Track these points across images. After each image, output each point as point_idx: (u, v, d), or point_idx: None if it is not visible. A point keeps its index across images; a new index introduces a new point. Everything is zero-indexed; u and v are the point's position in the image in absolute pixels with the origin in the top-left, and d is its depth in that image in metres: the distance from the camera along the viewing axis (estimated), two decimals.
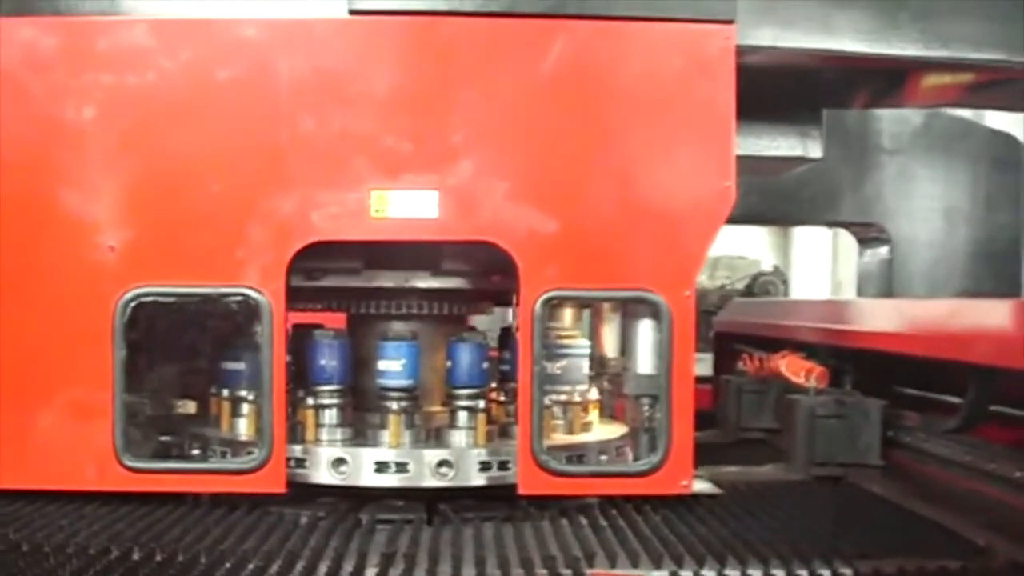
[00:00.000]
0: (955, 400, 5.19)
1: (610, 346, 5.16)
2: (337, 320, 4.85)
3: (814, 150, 5.52)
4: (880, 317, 5.84)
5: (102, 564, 3.41)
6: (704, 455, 5.23)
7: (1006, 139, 9.19)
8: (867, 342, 5.53)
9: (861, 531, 4.10)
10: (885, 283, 8.96)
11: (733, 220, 4.51)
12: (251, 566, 3.40)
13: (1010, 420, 4.93)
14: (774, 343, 6.32)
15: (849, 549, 3.70)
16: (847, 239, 10.06)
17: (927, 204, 8.89)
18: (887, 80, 5.38)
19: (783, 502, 4.64)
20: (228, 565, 3.41)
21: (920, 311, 5.68)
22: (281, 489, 4.19)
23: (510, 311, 5.10)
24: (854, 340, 5.67)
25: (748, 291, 17.01)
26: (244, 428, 4.58)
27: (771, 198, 8.18)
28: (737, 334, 7.45)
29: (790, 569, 3.51)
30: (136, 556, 3.51)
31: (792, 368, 5.71)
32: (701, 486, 4.76)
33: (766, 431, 6.22)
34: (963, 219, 8.91)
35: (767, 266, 21.04)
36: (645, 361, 4.43)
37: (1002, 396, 4.92)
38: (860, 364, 5.66)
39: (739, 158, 4.39)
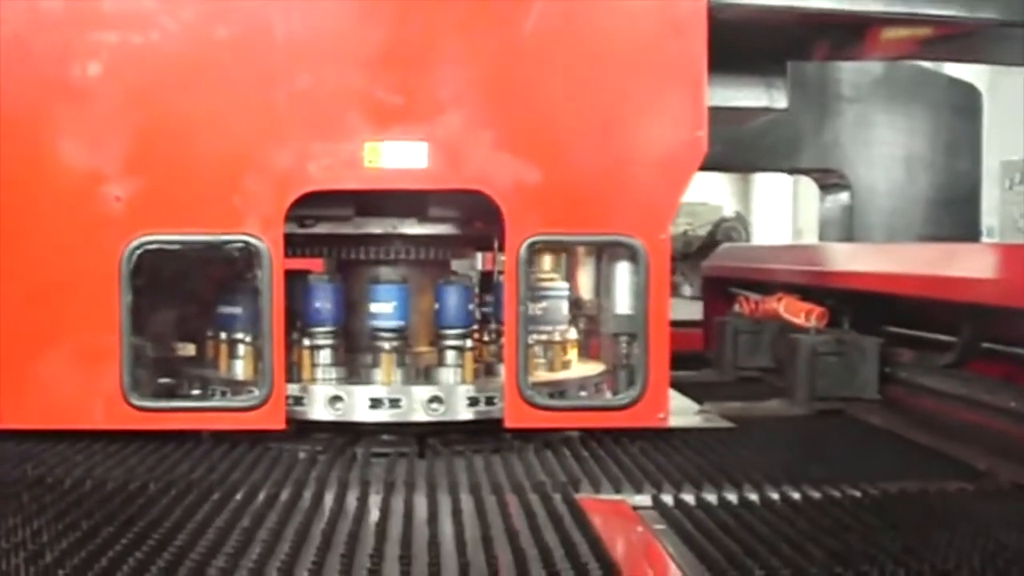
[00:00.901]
0: (947, 339, 5.42)
1: (586, 289, 5.35)
2: (315, 266, 5.06)
3: (779, 100, 5.77)
4: (872, 260, 6.11)
5: (121, 497, 3.60)
6: (706, 393, 5.61)
7: (965, 87, 9.45)
8: (863, 283, 5.79)
9: (864, 458, 4.38)
10: (846, 229, 9.16)
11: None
12: (262, 495, 3.60)
13: (1000, 356, 5.16)
14: (766, 286, 6.62)
15: (855, 474, 3.93)
16: (808, 186, 10.25)
17: (887, 151, 9.11)
18: (848, 33, 5.61)
19: (790, 433, 4.98)
20: (239, 496, 3.60)
21: (910, 255, 5.95)
22: (281, 425, 4.42)
23: (480, 257, 5.34)
24: (850, 281, 5.93)
25: (710, 237, 17.22)
26: (241, 369, 4.81)
27: (733, 146, 8.19)
28: (727, 278, 7.71)
29: (803, 492, 3.75)
30: (152, 488, 3.70)
31: (791, 309, 6.00)
32: (712, 420, 5.10)
33: (762, 370, 6.50)
34: (923, 166, 9.14)
35: (729, 212, 21.28)
36: (623, 301, 4.67)
37: (994, 334, 5.17)
38: (856, 305, 5.90)
39: (709, 109, 4.60)
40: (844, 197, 9.26)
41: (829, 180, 9.45)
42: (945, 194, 9.21)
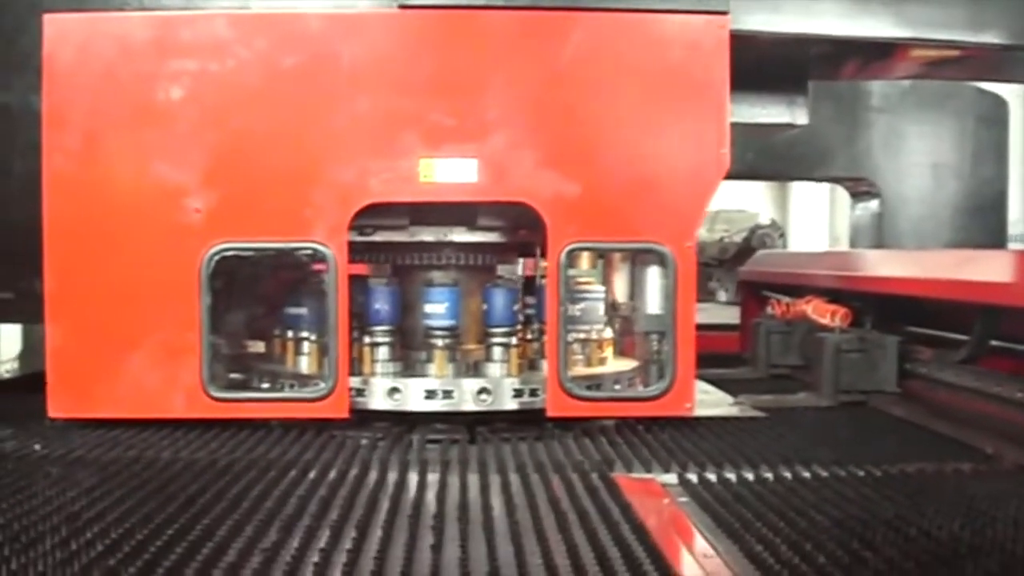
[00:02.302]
0: (961, 337, 5.83)
1: (621, 292, 5.74)
2: (359, 271, 5.46)
3: (800, 117, 6.16)
4: (891, 266, 6.54)
5: (211, 473, 4.06)
6: (740, 388, 6.12)
7: (991, 97, 9.66)
8: (884, 287, 6.22)
9: (885, 443, 4.80)
10: (876, 235, 9.45)
11: (731, 176, 5.15)
12: (333, 473, 4.06)
13: (1009, 352, 5.58)
14: (797, 290, 7.03)
15: (877, 456, 4.36)
16: (845, 193, 10.55)
17: (916, 160, 9.38)
18: (872, 53, 6.00)
19: (817, 421, 5.40)
20: (312, 474, 4.05)
21: (929, 260, 6.37)
22: (345, 414, 4.89)
23: (521, 263, 5.77)
24: (872, 285, 6.38)
25: (746, 243, 17.31)
26: (306, 364, 5.29)
27: (766, 155, 8.63)
28: (761, 283, 8.14)
29: (832, 471, 4.16)
30: (237, 467, 4.15)
31: (818, 311, 6.44)
32: (745, 411, 5.60)
33: (792, 367, 6.88)
34: (950, 174, 9.40)
35: (765, 219, 21.43)
36: (653, 302, 5.16)
37: (1003, 332, 5.59)
38: (877, 307, 6.32)
39: (733, 125, 5.02)
40: (874, 205, 9.55)
41: (860, 188, 9.75)
42: (972, 201, 9.48)
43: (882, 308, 6.33)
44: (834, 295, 6.59)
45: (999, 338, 5.64)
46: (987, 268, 5.40)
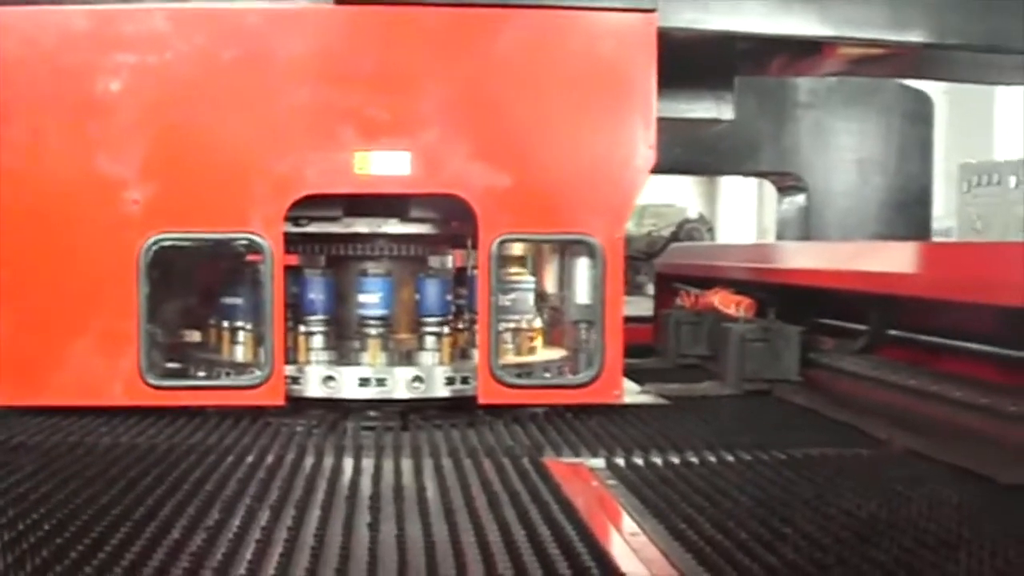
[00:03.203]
0: (861, 327, 6.00)
1: (550, 283, 5.91)
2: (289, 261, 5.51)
3: (726, 112, 6.33)
4: (797, 257, 6.70)
5: (151, 457, 4.14)
6: (649, 377, 6.19)
7: (916, 93, 9.83)
8: (786, 278, 6.40)
9: (788, 429, 4.93)
10: (803, 229, 9.57)
11: (660, 171, 5.30)
12: (270, 458, 4.15)
13: (907, 342, 5.72)
14: (708, 281, 7.17)
15: (780, 441, 4.51)
16: (772, 188, 10.68)
17: (842, 155, 9.50)
18: (797, 50, 6.16)
19: (721, 409, 5.51)
20: (250, 459, 4.14)
21: (830, 252, 6.54)
22: (281, 402, 4.99)
23: (452, 254, 5.88)
24: (775, 277, 6.54)
25: (674, 237, 17.51)
26: (242, 353, 5.38)
27: (694, 150, 8.78)
28: (675, 275, 8.25)
29: (737, 455, 4.32)
30: (176, 452, 4.23)
31: (724, 302, 6.59)
32: (650, 398, 5.71)
33: (701, 358, 6.97)
34: (876, 169, 9.54)
35: (693, 214, 21.67)
36: (583, 292, 5.24)
37: (899, 322, 5.76)
38: (783, 297, 6.46)
39: (660, 119, 5.15)
40: (801, 199, 9.67)
41: (787, 183, 9.89)
42: (897, 196, 9.62)
43: (787, 299, 6.47)
44: (741, 287, 6.75)
45: (896, 327, 5.81)
46: (881, 259, 5.62)
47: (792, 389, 5.92)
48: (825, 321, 6.47)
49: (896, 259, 5.44)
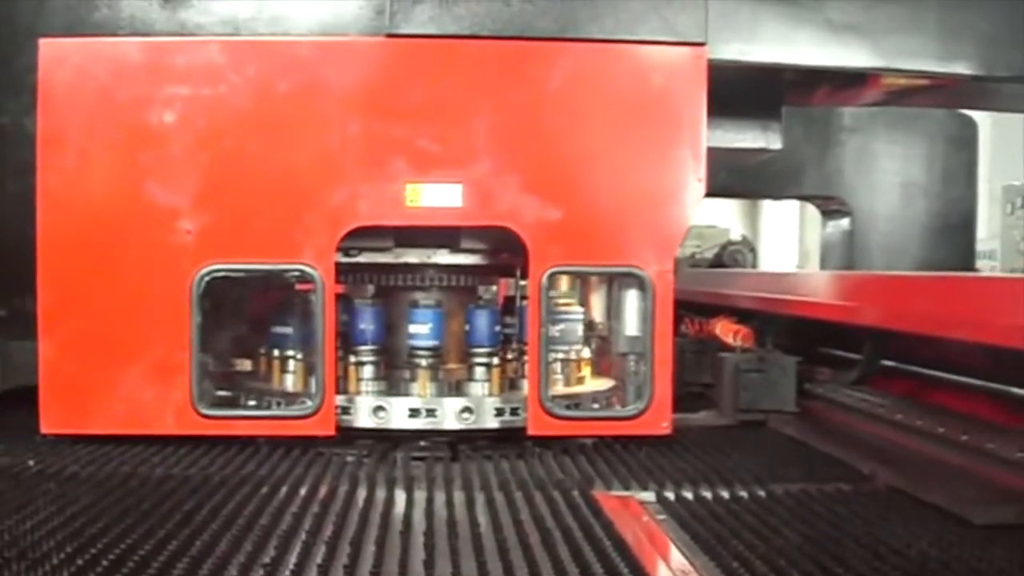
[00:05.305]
0: (858, 357, 6.04)
1: (598, 313, 5.92)
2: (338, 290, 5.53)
3: (774, 142, 6.33)
4: (798, 288, 6.69)
5: (205, 490, 4.16)
6: None
7: (961, 118, 9.73)
8: (783, 308, 6.44)
9: (775, 463, 4.88)
10: (846, 253, 9.52)
11: (705, 194, 5.29)
12: (323, 489, 4.18)
13: (901, 373, 5.78)
14: (713, 309, 7.19)
15: (765, 475, 4.51)
16: (814, 211, 10.65)
17: (886, 179, 9.45)
18: (843, 81, 6.15)
19: (715, 442, 5.39)
20: (303, 491, 4.17)
21: (830, 283, 6.54)
22: (332, 432, 5.01)
23: (504, 283, 5.90)
24: (774, 307, 6.58)
25: (717, 259, 17.41)
26: (291, 382, 5.40)
27: (739, 174, 8.64)
28: (683, 302, 8.23)
29: (715, 492, 4.32)
30: (230, 484, 4.26)
31: (724, 330, 6.58)
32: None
33: (704, 385, 6.88)
34: (920, 193, 9.49)
35: (736, 235, 21.53)
36: (632, 324, 5.27)
37: (892, 353, 5.80)
38: (782, 327, 6.51)
39: (709, 149, 5.17)
40: (845, 223, 9.64)
41: (831, 207, 9.83)
42: (941, 220, 9.56)
43: (786, 329, 6.51)
44: (743, 315, 6.77)
45: (891, 359, 5.85)
46: (876, 291, 5.65)
47: (786, 420, 5.93)
48: (824, 351, 6.51)
49: (890, 291, 5.49)
